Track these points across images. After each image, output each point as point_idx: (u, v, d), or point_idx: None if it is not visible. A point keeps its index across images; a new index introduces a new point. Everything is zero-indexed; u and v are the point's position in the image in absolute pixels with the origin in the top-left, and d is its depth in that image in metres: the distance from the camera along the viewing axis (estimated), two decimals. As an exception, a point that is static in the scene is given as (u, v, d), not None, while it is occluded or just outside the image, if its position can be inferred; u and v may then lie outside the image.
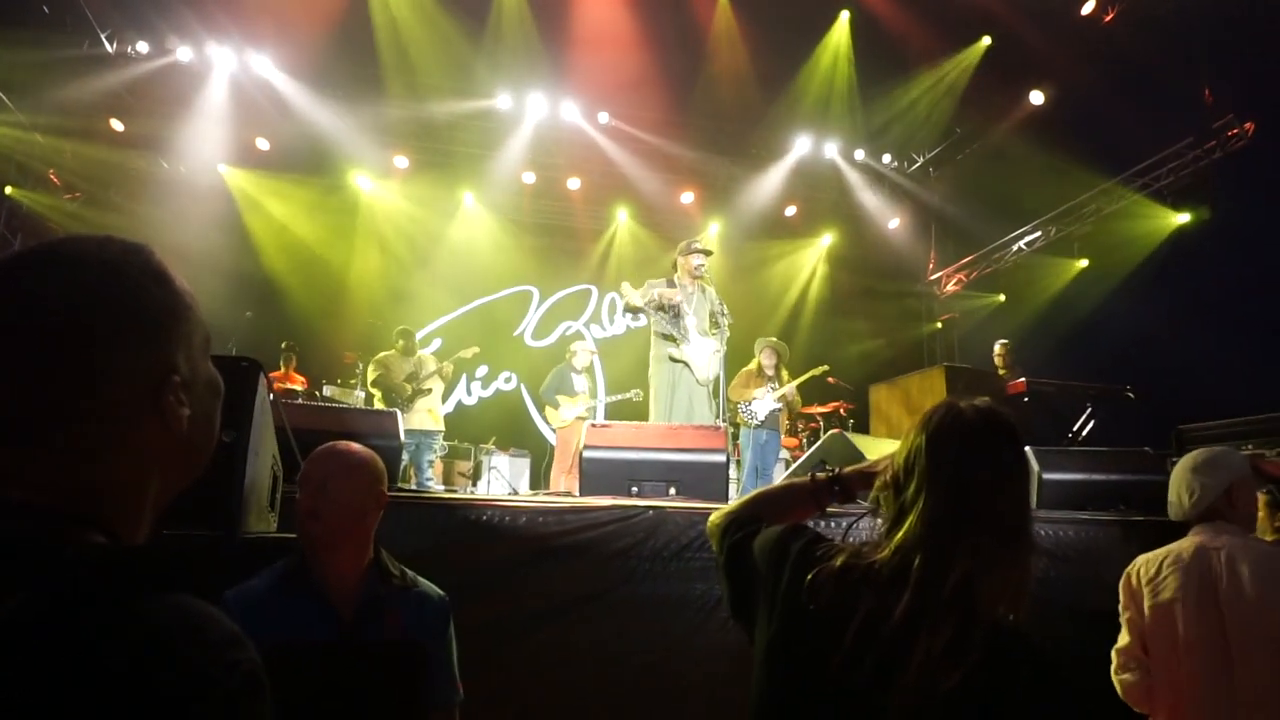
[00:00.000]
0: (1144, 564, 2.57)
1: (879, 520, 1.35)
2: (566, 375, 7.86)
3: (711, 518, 1.58)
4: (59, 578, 0.61)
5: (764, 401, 7.15)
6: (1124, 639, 2.56)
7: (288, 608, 1.75)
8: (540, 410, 9.96)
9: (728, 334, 5.86)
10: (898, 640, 1.14)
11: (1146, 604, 2.49)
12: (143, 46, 8.97)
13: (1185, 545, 2.53)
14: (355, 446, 1.94)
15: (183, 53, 9.06)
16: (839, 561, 1.25)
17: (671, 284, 6.01)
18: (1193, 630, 2.39)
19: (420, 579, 2.00)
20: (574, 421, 7.60)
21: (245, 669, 0.63)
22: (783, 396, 7.25)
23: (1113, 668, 2.56)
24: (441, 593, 2.00)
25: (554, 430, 7.95)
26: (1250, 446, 5.38)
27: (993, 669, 1.13)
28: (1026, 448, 4.02)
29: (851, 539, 1.40)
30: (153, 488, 0.76)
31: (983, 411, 1.29)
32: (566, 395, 7.74)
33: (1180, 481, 2.63)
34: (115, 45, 8.90)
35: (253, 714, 0.63)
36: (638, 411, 7.83)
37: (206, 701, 0.59)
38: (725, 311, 5.86)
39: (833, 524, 3.41)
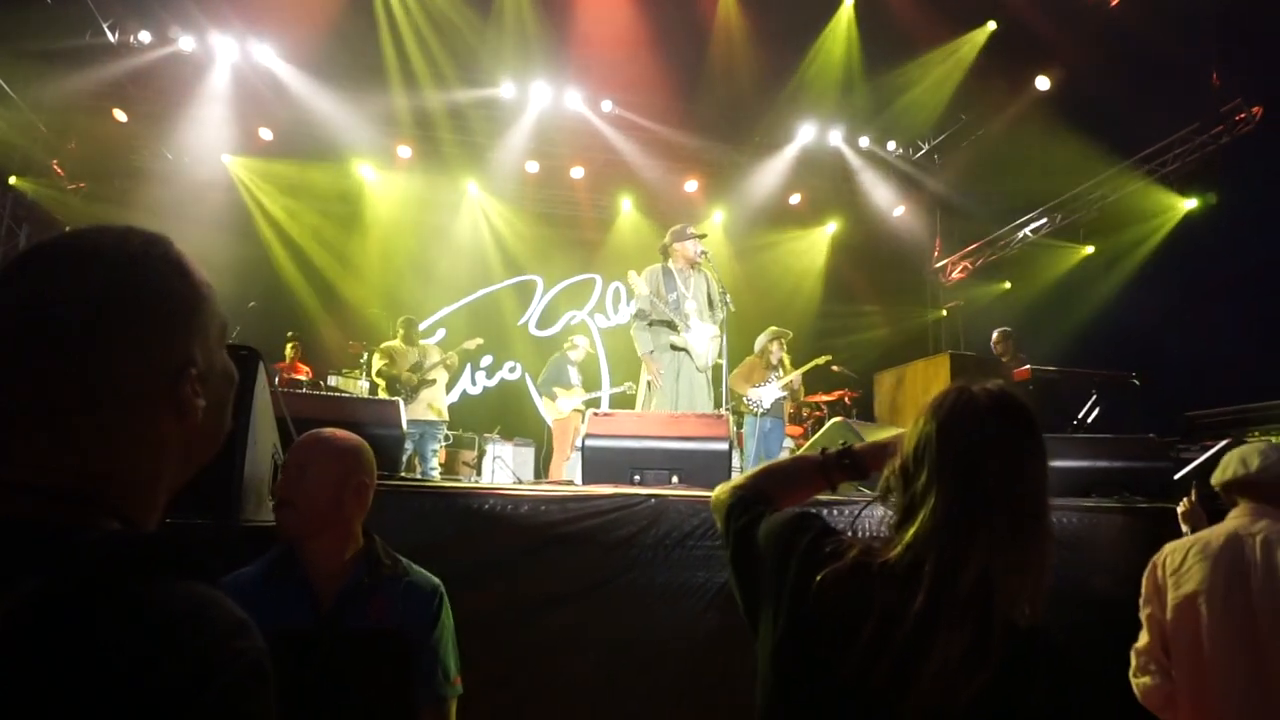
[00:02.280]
0: (1170, 552, 2.30)
1: (888, 510, 1.29)
2: (563, 367, 7.97)
3: (716, 491, 1.51)
4: (73, 562, 0.63)
5: (769, 390, 7.15)
6: (1143, 638, 2.29)
7: (270, 595, 1.73)
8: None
9: (723, 317, 5.81)
10: (913, 645, 1.10)
11: (1170, 597, 2.21)
12: (145, 36, 8.93)
13: (1216, 531, 2.26)
14: (339, 434, 1.90)
15: (185, 42, 9.02)
16: (849, 560, 1.19)
17: (668, 271, 5.98)
18: (1218, 626, 2.10)
19: (415, 568, 1.95)
20: (570, 414, 7.70)
21: (249, 657, 0.64)
22: (788, 385, 7.26)
23: (1131, 669, 2.31)
24: (436, 582, 1.95)
25: (551, 421, 8.03)
26: (1256, 434, 5.37)
27: (1012, 674, 1.10)
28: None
29: (859, 527, 1.37)
30: (167, 476, 0.78)
31: (995, 395, 1.22)
32: (563, 388, 7.85)
33: (1250, 451, 2.36)
34: (117, 35, 8.86)
35: (254, 702, 0.64)
36: (629, 403, 7.92)
37: (208, 689, 0.60)
38: (728, 299, 5.81)
39: (837, 511, 3.41)
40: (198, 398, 0.77)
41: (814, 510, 1.38)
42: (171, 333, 0.76)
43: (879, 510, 1.35)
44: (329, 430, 1.91)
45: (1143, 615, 2.31)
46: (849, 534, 1.31)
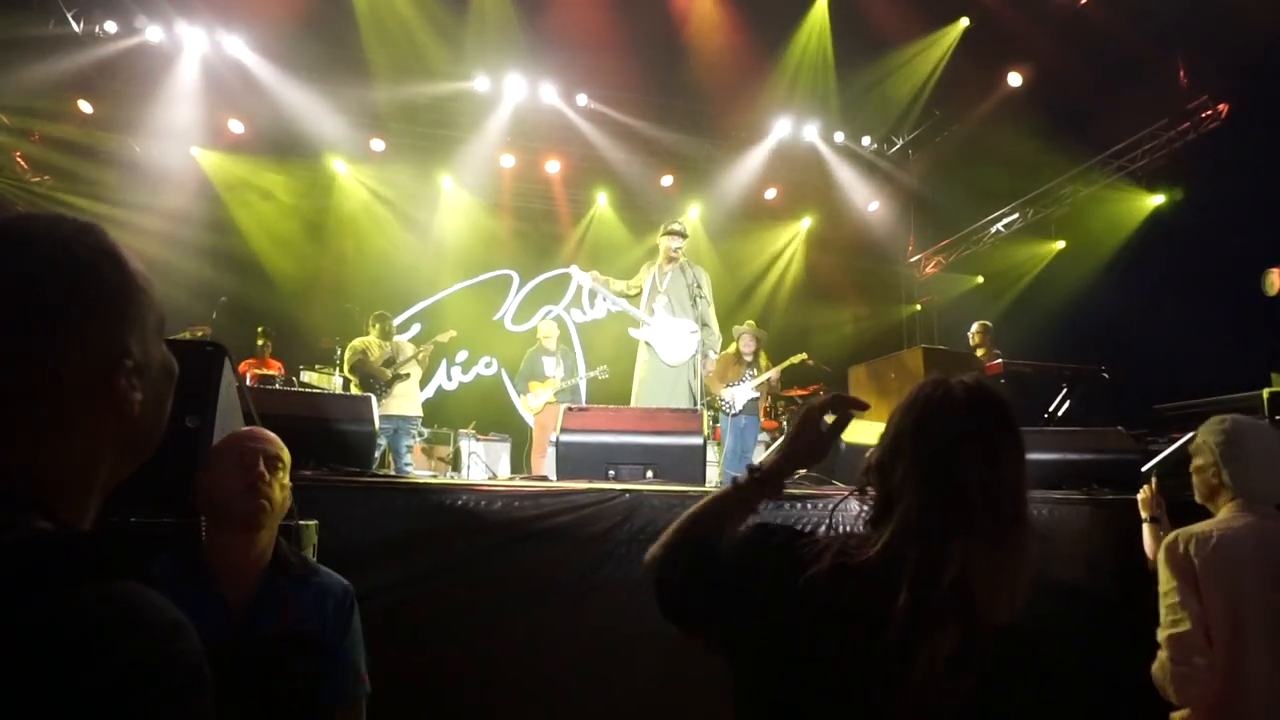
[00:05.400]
0: (1197, 539, 2.20)
1: (864, 505, 1.26)
2: (537, 359, 7.96)
3: (648, 556, 1.41)
4: None
5: (742, 389, 7.15)
6: (1182, 625, 2.13)
7: (177, 601, 1.66)
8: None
9: (705, 312, 5.78)
10: (899, 647, 1.07)
11: (1204, 585, 2.12)
12: (110, 26, 8.75)
13: (1244, 525, 2.19)
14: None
15: (152, 32, 8.86)
16: (828, 561, 1.15)
17: (651, 267, 6.03)
18: (1252, 629, 2.06)
19: (322, 568, 1.92)
20: (544, 406, 7.72)
21: (187, 660, 0.62)
22: (765, 384, 7.27)
23: (1161, 657, 2.16)
24: (346, 583, 1.92)
25: (531, 416, 8.02)
26: (1223, 426, 5.45)
27: (996, 673, 1.09)
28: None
29: (835, 522, 1.34)
30: (101, 472, 0.75)
31: (972, 389, 1.19)
32: (537, 380, 7.84)
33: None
34: (82, 25, 8.67)
35: (192, 706, 0.61)
36: (606, 389, 7.89)
37: (144, 694, 0.58)
38: (704, 294, 5.79)
39: (810, 505, 3.43)
40: (134, 391, 0.74)
41: (771, 522, 1.33)
42: (104, 323, 0.73)
43: (853, 506, 1.32)
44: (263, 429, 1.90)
45: (1170, 601, 2.19)
46: (823, 529, 1.28)
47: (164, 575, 1.71)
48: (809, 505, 3.43)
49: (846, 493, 1.35)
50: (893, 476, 1.19)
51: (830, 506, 3.33)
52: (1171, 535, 2.29)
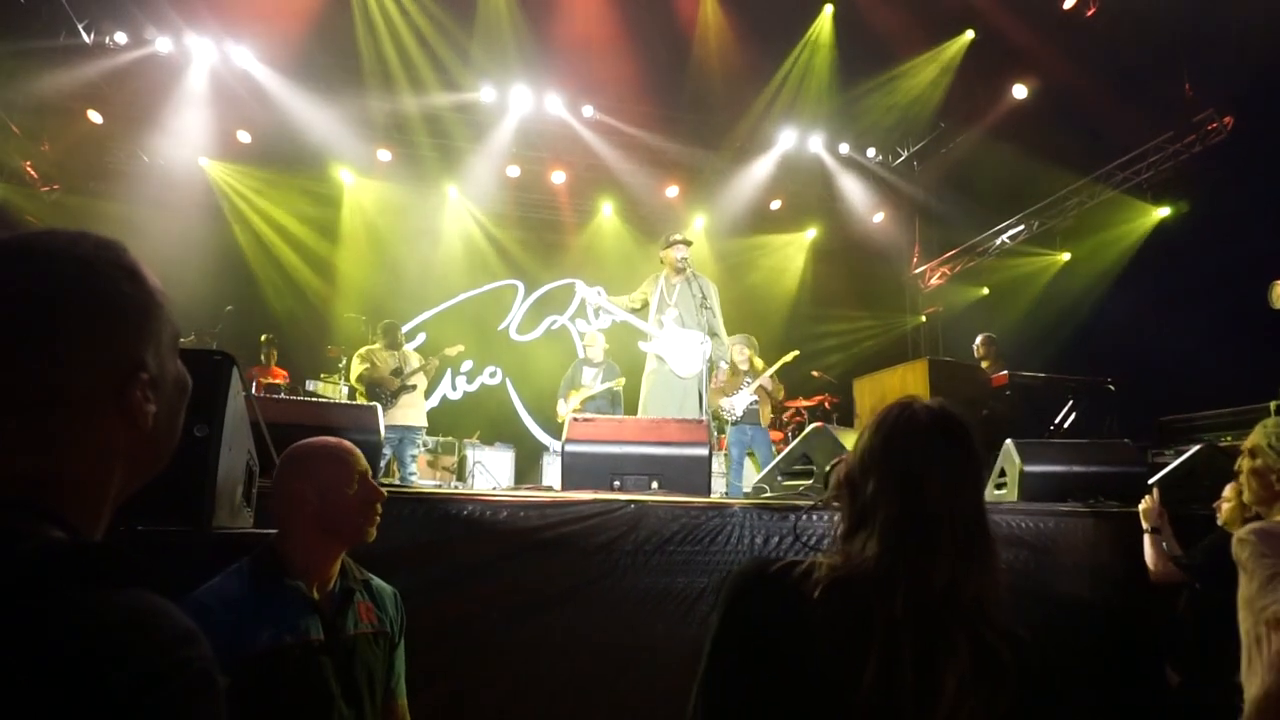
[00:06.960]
0: None
1: (835, 516, 1.30)
2: (579, 368, 7.86)
3: None
4: (12, 571, 0.61)
5: (740, 397, 7.15)
6: None
7: (270, 606, 1.68)
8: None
9: (712, 323, 5.78)
10: (921, 664, 1.10)
11: None
12: (120, 37, 8.84)
13: None
14: None
15: (161, 44, 8.94)
16: (824, 576, 1.18)
17: (659, 279, 6.03)
18: None
19: (370, 573, 1.99)
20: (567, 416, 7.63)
21: (197, 667, 0.63)
22: (760, 388, 7.26)
23: None
24: (391, 586, 2.00)
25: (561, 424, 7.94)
26: (1229, 438, 5.43)
27: (1013, 687, 1.12)
28: (1009, 440, 4.01)
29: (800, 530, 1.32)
30: (114, 483, 0.76)
31: (935, 412, 1.27)
32: (574, 389, 7.73)
33: None
34: (92, 36, 8.76)
35: (200, 712, 0.62)
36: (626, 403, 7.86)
37: (153, 699, 0.59)
38: (710, 305, 5.79)
39: (791, 517, 3.42)
40: (148, 403, 0.76)
41: (735, 601, 1.26)
42: (121, 337, 0.75)
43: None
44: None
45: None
46: (793, 538, 1.30)
47: (246, 585, 1.71)
48: (791, 517, 3.42)
49: (815, 503, 1.40)
50: (864, 491, 1.25)
51: (796, 517, 3.31)
52: (1248, 531, 2.06)
